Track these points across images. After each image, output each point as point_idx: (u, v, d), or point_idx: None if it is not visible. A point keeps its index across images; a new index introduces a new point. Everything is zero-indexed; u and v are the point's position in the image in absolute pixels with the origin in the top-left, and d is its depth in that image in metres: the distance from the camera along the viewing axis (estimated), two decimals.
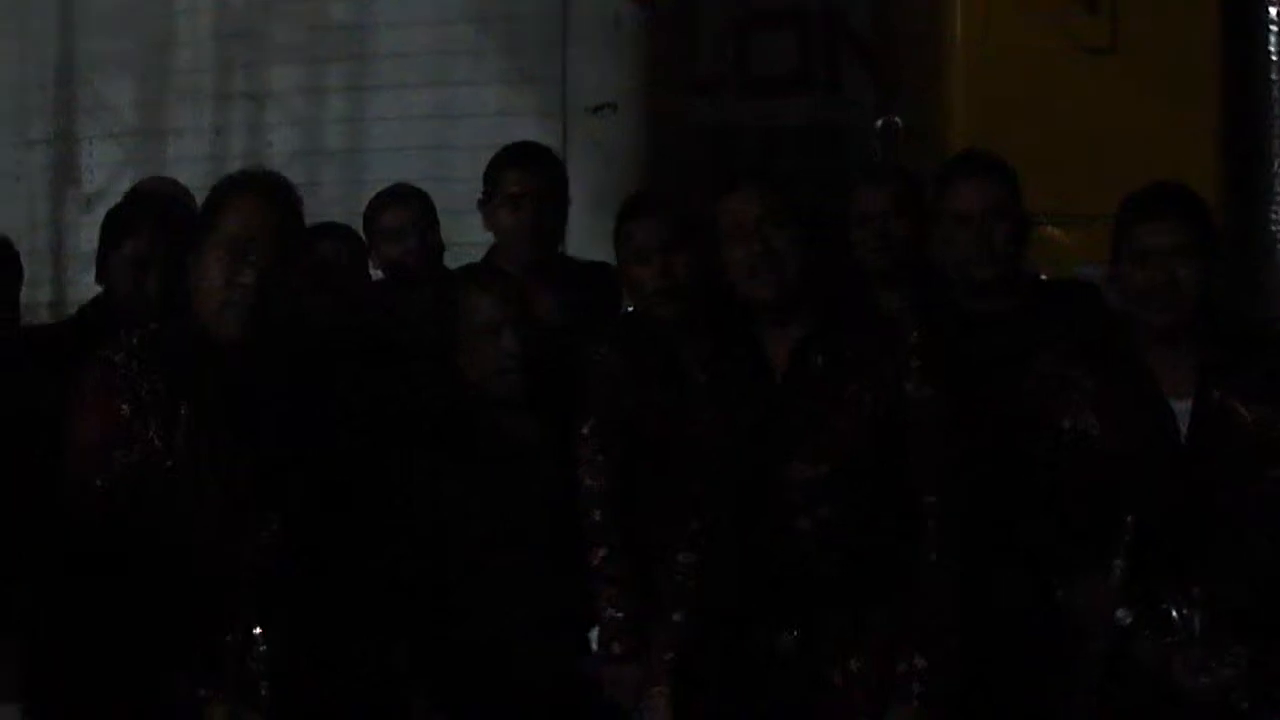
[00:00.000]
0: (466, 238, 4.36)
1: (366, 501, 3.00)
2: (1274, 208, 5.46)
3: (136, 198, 4.36)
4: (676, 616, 3.14)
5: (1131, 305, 3.13)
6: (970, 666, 3.00)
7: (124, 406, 2.80)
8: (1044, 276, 3.94)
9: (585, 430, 3.47)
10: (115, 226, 3.70)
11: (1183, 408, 3.07)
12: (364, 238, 4.23)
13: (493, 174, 3.99)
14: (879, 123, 5.57)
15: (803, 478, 3.01)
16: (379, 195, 4.36)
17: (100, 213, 3.94)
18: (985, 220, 3.57)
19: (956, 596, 2.98)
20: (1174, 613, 2.97)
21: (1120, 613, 2.99)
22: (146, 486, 2.79)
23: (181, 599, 2.74)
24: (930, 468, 3.02)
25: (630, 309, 3.78)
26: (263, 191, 2.95)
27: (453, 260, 4.32)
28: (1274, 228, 5.46)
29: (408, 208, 4.28)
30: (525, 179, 3.93)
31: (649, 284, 3.51)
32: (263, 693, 2.71)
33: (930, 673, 2.94)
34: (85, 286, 3.92)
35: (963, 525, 3.01)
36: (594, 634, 3.48)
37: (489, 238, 4.09)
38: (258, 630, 2.72)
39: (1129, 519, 2.99)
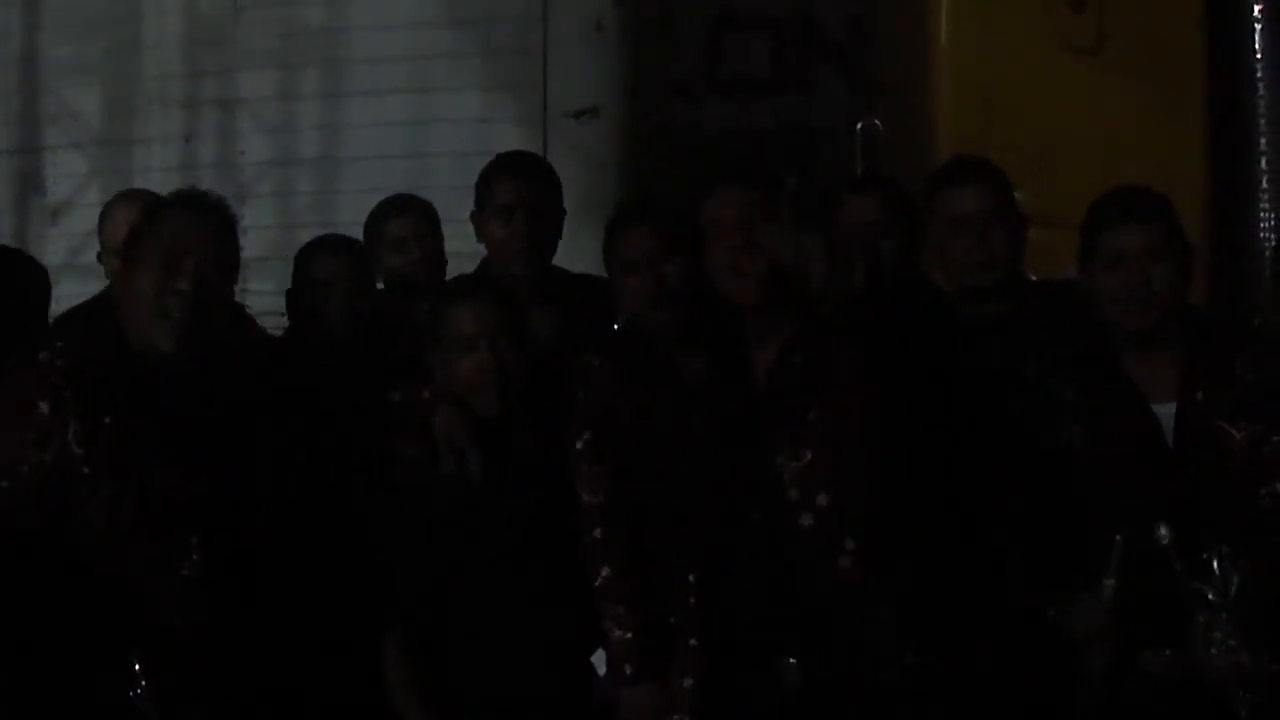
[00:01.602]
0: (447, 247, 4.27)
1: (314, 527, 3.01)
2: (1259, 207, 5.47)
3: None
4: (693, 641, 3.07)
5: (1106, 310, 3.10)
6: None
7: (42, 404, 2.75)
8: (1034, 278, 3.90)
9: (580, 445, 3.35)
10: None
11: (1165, 411, 3.03)
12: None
13: (483, 183, 3.87)
14: (858, 126, 5.51)
15: (790, 470, 2.96)
16: (381, 205, 4.27)
17: (66, 225, 3.86)
18: (983, 224, 3.56)
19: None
20: (1214, 563, 2.88)
21: (1162, 531, 2.90)
22: (59, 490, 2.73)
23: (92, 607, 2.71)
24: None
25: (622, 320, 3.69)
26: (197, 208, 2.96)
27: None
28: (1259, 227, 5.47)
29: (410, 217, 4.21)
30: (517, 188, 3.81)
31: (639, 293, 3.41)
32: None
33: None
34: (54, 301, 3.83)
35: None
36: (596, 657, 3.41)
37: (472, 248, 3.98)
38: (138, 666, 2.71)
39: (1118, 538, 2.94)
